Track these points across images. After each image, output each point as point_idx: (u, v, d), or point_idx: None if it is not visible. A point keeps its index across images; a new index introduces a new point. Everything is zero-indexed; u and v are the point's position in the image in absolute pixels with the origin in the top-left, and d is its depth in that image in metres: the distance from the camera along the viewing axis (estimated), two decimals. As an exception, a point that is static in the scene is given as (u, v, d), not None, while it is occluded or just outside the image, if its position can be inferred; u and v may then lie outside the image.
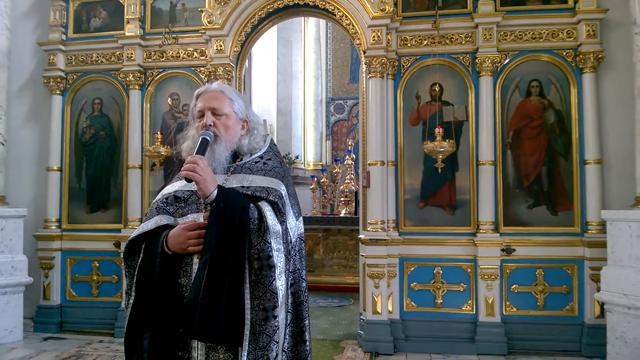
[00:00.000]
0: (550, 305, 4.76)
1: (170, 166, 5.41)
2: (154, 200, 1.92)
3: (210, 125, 1.84)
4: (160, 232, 1.76)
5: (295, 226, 1.87)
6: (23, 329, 5.20)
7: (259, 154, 1.95)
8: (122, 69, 5.49)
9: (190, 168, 1.64)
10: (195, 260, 1.69)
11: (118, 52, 5.55)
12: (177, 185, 1.89)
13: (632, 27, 4.44)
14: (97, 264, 5.52)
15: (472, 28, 4.93)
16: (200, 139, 1.79)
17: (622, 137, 4.73)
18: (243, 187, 1.80)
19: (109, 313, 5.41)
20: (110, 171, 5.57)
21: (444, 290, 4.88)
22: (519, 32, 4.89)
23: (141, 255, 1.78)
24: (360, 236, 5.00)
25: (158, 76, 5.48)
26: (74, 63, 5.67)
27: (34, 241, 5.53)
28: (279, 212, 1.75)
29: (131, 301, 1.77)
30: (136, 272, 1.78)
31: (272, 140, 2.06)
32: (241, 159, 1.93)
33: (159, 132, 5.27)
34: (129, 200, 5.42)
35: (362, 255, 4.95)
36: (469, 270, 4.86)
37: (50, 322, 5.46)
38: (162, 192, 1.95)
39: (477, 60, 4.88)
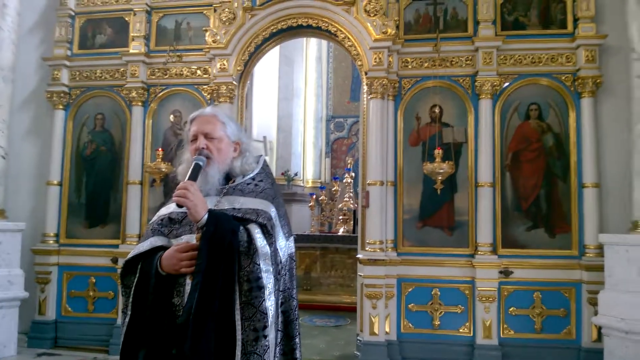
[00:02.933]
0: (548, 329, 4.75)
1: (171, 183, 5.42)
2: (150, 222, 1.99)
3: (203, 148, 1.90)
4: (155, 253, 1.82)
5: (286, 246, 1.90)
6: (17, 344, 5.14)
7: (251, 175, 1.99)
8: (126, 86, 5.53)
9: (181, 194, 1.70)
10: (188, 281, 1.73)
11: (122, 69, 5.61)
12: (172, 207, 1.91)
13: (630, 53, 4.51)
14: (94, 280, 5.50)
15: (473, 51, 5.00)
16: (193, 164, 1.84)
17: (619, 161, 4.76)
18: (234, 209, 1.84)
19: (104, 329, 5.37)
20: (110, 186, 5.58)
21: (441, 312, 4.87)
22: (519, 56, 4.96)
23: (137, 275, 1.83)
24: (358, 256, 5.00)
25: (161, 93, 5.53)
26: (77, 78, 5.72)
27: (31, 255, 5.50)
28: (268, 235, 1.79)
29: (127, 320, 1.82)
30: (132, 292, 1.83)
31: (265, 161, 2.11)
32: (234, 181, 1.97)
33: (160, 149, 5.29)
34: (128, 216, 5.42)
35: (360, 275, 4.95)
36: (466, 292, 4.86)
37: (44, 337, 5.41)
38: (158, 213, 2.00)
39: (477, 83, 4.94)
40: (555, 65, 4.94)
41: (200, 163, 1.84)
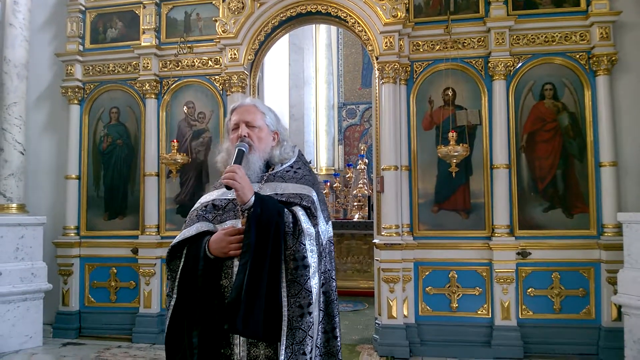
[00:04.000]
0: (567, 309, 4.74)
1: (187, 173, 5.48)
2: (192, 209, 2.05)
3: (245, 136, 1.98)
4: (201, 238, 1.89)
5: (326, 230, 1.98)
6: (42, 334, 5.28)
7: (289, 163, 2.07)
8: (139, 79, 5.58)
9: (230, 177, 1.77)
10: (236, 263, 1.80)
11: (134, 62, 5.65)
12: (214, 194, 2.02)
13: (645, 29, 4.43)
14: (115, 270, 5.61)
15: (485, 32, 4.95)
16: (237, 150, 1.91)
17: (637, 139, 4.72)
18: (277, 194, 1.92)
19: (127, 319, 5.48)
20: (127, 179, 5.66)
21: (459, 294, 4.88)
22: (532, 35, 4.90)
23: (183, 259, 1.91)
24: (374, 241, 5.02)
25: (173, 85, 5.57)
26: (91, 73, 5.78)
27: (53, 248, 5.62)
28: (312, 216, 1.87)
29: (172, 303, 1.90)
30: (178, 276, 1.90)
31: (299, 151, 2.19)
32: (273, 169, 2.05)
33: (175, 140, 5.35)
34: (146, 207, 5.50)
35: (377, 260, 4.97)
36: (484, 274, 4.86)
37: (69, 327, 5.54)
38: (200, 200, 2.07)
39: (489, 65, 4.89)
40: (569, 44, 4.87)
41: (244, 149, 1.92)
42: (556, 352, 4.66)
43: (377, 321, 5.01)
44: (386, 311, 4.82)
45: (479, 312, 4.86)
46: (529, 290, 4.79)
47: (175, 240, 1.94)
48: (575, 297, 4.74)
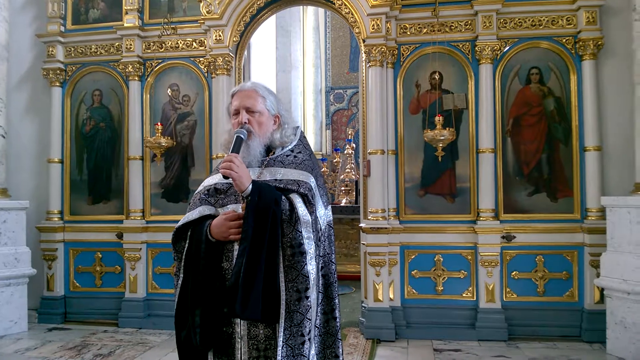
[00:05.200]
0: (550, 292, 4.80)
1: (171, 157, 5.42)
2: (196, 192, 2.09)
3: (245, 122, 2.00)
4: (204, 221, 1.94)
5: (325, 214, 2.03)
6: (27, 320, 5.25)
7: (289, 147, 2.10)
8: (122, 60, 5.48)
9: (227, 166, 1.80)
10: (236, 247, 1.85)
11: (117, 43, 5.54)
12: (217, 178, 2.04)
13: (631, 13, 4.43)
14: (100, 255, 5.56)
15: (472, 15, 4.92)
16: (235, 137, 1.93)
17: (621, 124, 4.74)
18: (276, 180, 1.96)
19: (113, 303, 5.46)
20: (111, 162, 5.59)
21: (444, 278, 4.92)
22: (519, 19, 4.88)
23: (187, 241, 1.97)
24: (361, 225, 5.03)
25: (157, 67, 5.48)
26: (73, 55, 5.67)
27: (37, 233, 5.56)
28: (309, 204, 1.91)
29: (180, 282, 1.97)
30: (184, 257, 1.97)
31: (302, 132, 2.20)
32: (274, 153, 2.08)
33: (159, 123, 5.27)
34: (130, 191, 5.44)
35: (363, 244, 4.98)
36: (469, 257, 4.90)
37: (54, 313, 5.51)
38: (203, 184, 2.11)
39: (476, 48, 4.88)
40: (556, 28, 4.86)
41: (242, 136, 1.94)
42: (539, 334, 4.73)
43: (363, 304, 5.04)
44: (372, 294, 4.84)
45: (464, 295, 4.90)
46: (513, 274, 4.84)
47: (179, 223, 1.99)
48: (559, 280, 4.80)
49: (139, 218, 5.41)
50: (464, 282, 4.90)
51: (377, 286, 4.83)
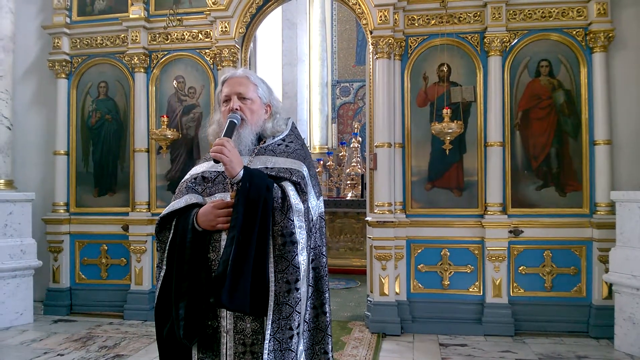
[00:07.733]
0: (558, 287, 4.75)
1: (177, 149, 5.40)
2: (182, 180, 2.02)
3: (236, 109, 1.92)
4: (190, 210, 1.86)
5: (316, 205, 1.95)
6: (33, 311, 5.27)
7: (281, 136, 2.03)
8: (127, 52, 5.45)
9: (218, 150, 1.73)
10: (224, 236, 1.78)
11: (123, 35, 5.52)
12: (204, 166, 1.98)
13: (644, 4, 4.36)
14: (106, 247, 5.56)
15: (481, 7, 4.85)
16: (228, 121, 1.87)
17: (632, 117, 4.68)
18: (267, 168, 1.89)
19: (118, 295, 5.46)
20: (116, 155, 5.58)
21: (451, 272, 4.89)
22: (529, 10, 4.81)
23: (172, 231, 1.88)
24: (367, 218, 5.00)
25: (163, 59, 5.45)
26: (78, 46, 5.65)
27: (43, 225, 5.56)
28: (302, 192, 1.85)
29: (162, 274, 1.88)
30: (167, 247, 1.88)
31: (293, 123, 2.13)
32: (264, 142, 2.01)
33: (165, 115, 5.25)
34: (136, 183, 5.43)
35: (370, 238, 4.95)
36: (476, 251, 4.85)
37: (60, 304, 5.52)
38: (190, 172, 2.04)
39: (485, 40, 4.81)
40: (566, 20, 4.78)
41: (235, 121, 1.88)
42: (547, 329, 4.69)
43: (369, 298, 5.02)
44: (378, 288, 4.82)
45: (471, 289, 4.87)
46: (520, 268, 4.80)
47: (164, 212, 1.91)
48: (567, 275, 4.75)
49: (144, 210, 5.40)
50: (470, 276, 4.86)
51: (383, 280, 4.80)
